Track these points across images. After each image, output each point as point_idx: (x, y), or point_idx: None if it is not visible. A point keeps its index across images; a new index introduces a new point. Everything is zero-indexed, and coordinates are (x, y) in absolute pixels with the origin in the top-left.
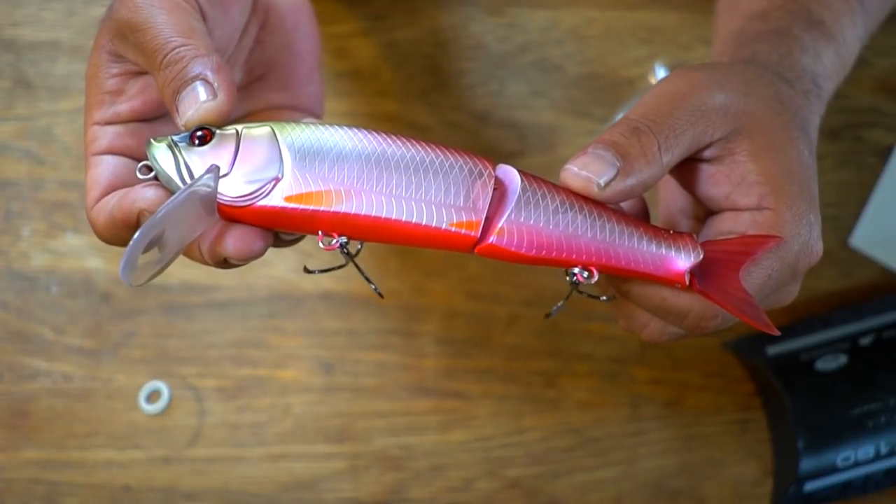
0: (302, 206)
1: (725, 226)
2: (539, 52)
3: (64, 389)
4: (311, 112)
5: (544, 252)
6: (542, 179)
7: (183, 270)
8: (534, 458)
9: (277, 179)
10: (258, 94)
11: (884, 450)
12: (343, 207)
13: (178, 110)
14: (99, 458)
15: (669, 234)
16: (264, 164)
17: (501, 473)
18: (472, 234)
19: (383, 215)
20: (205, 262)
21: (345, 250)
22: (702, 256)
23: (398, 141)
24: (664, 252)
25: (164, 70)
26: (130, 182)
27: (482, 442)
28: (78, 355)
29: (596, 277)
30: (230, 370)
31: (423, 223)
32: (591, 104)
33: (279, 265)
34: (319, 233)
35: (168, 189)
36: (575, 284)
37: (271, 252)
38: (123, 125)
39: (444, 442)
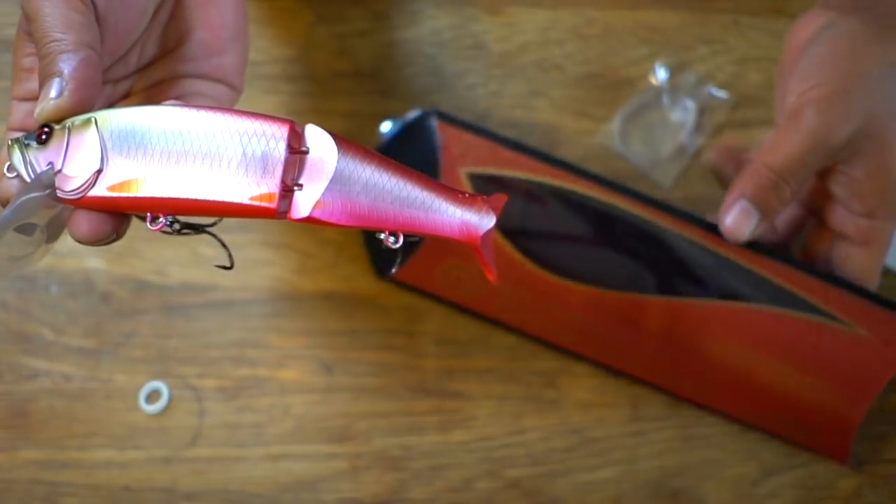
0: (124, 195)
1: (837, 222)
2: (539, 52)
3: (64, 389)
4: (227, 82)
5: (358, 221)
6: (355, 144)
7: (183, 270)
8: (534, 459)
9: (100, 171)
10: (170, 65)
11: None
12: (157, 192)
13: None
14: (99, 458)
15: (465, 196)
16: (88, 157)
17: (501, 474)
18: (271, 206)
19: (187, 196)
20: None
21: (175, 227)
22: (494, 221)
23: (201, 115)
24: (463, 217)
25: (41, 63)
26: None
27: (482, 442)
28: (78, 355)
29: (401, 241)
30: (230, 370)
31: (226, 200)
32: (592, 104)
33: (279, 265)
34: (148, 215)
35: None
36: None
37: (271, 252)
38: (34, 102)
39: (444, 442)
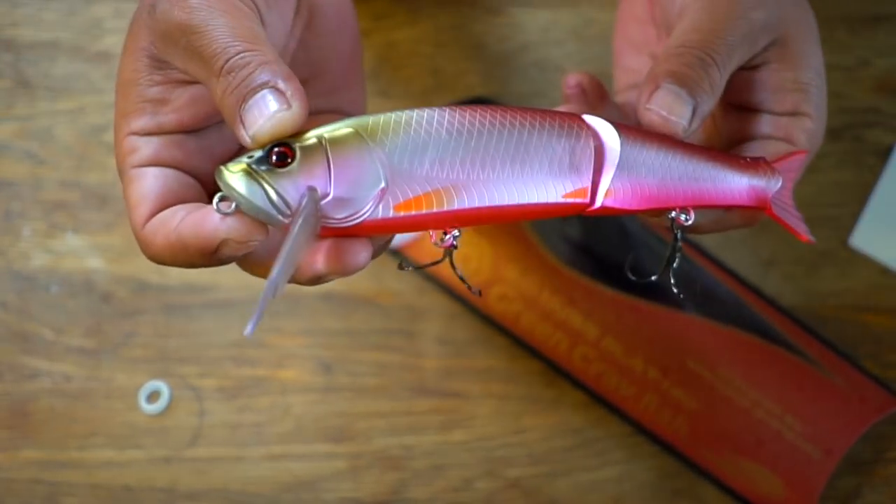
0: (413, 213)
1: (766, 128)
2: (539, 52)
3: (64, 389)
4: (354, 116)
5: (649, 203)
6: (633, 127)
7: (183, 270)
8: (534, 458)
9: (384, 190)
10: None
11: None
12: (455, 205)
13: (243, 122)
14: (99, 458)
15: (746, 161)
16: (365, 176)
17: (501, 473)
18: (584, 200)
19: (496, 203)
20: (300, 283)
21: (453, 245)
22: (781, 181)
23: (490, 118)
24: (750, 181)
25: (226, 76)
26: (184, 197)
27: (482, 442)
28: (78, 355)
29: (693, 217)
30: (230, 370)
31: (535, 201)
32: None
33: None
34: (431, 232)
35: (251, 216)
36: (676, 228)
37: None
38: (167, 136)
39: (444, 442)
